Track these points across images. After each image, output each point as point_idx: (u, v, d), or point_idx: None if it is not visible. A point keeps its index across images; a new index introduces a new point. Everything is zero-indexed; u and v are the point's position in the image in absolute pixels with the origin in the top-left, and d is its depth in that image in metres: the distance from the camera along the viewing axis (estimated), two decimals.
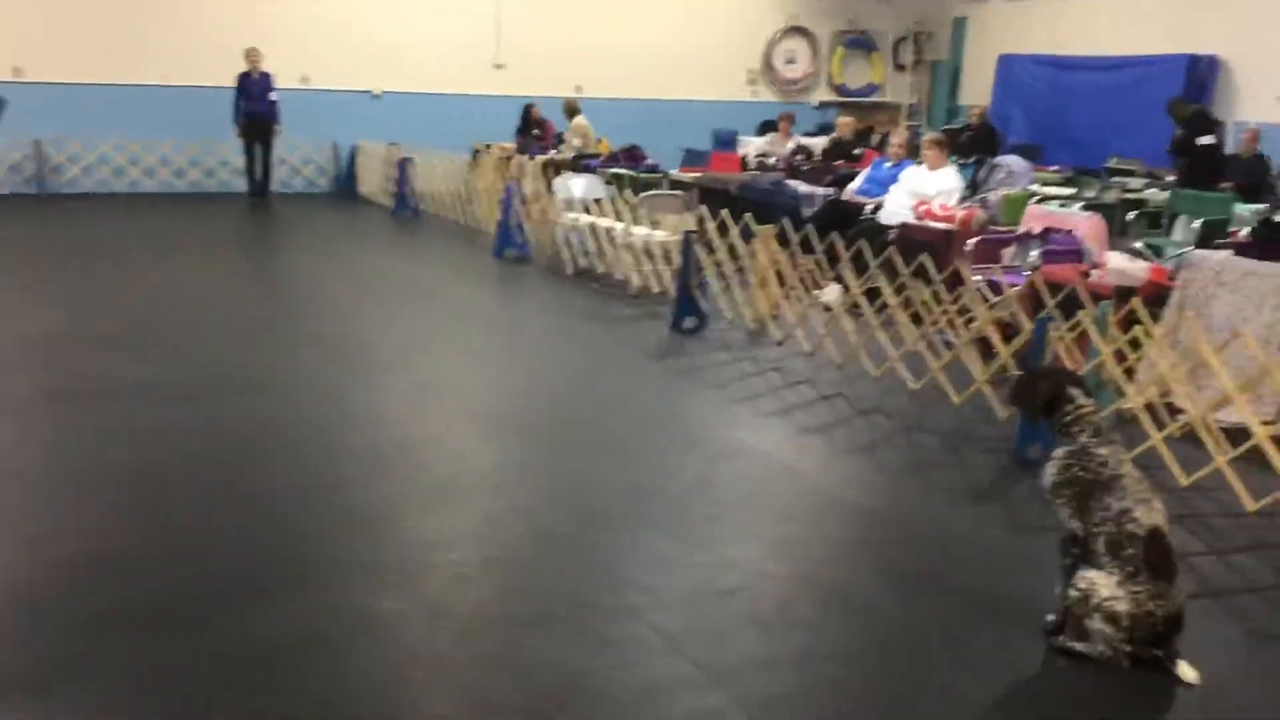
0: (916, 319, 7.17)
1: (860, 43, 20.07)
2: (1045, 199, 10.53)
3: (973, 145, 14.85)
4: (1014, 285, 7.32)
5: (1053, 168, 14.35)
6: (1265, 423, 5.38)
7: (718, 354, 7.85)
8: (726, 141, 16.49)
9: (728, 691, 3.52)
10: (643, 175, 13.06)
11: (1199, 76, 15.17)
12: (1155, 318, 6.53)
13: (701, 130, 17.12)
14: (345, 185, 16.86)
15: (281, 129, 15.48)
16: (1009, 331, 6.64)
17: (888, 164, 10.59)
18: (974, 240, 8.52)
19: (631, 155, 14.09)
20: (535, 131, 15.78)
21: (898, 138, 10.72)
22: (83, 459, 5.35)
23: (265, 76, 15.23)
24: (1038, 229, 8.05)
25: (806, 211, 10.72)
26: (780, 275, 8.42)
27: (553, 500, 5.08)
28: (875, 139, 15.23)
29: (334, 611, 3.91)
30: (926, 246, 8.15)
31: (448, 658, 3.66)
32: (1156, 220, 10.83)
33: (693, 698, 3.47)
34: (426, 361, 7.47)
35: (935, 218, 9.18)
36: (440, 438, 5.86)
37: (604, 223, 10.35)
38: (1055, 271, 7.30)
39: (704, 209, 9.62)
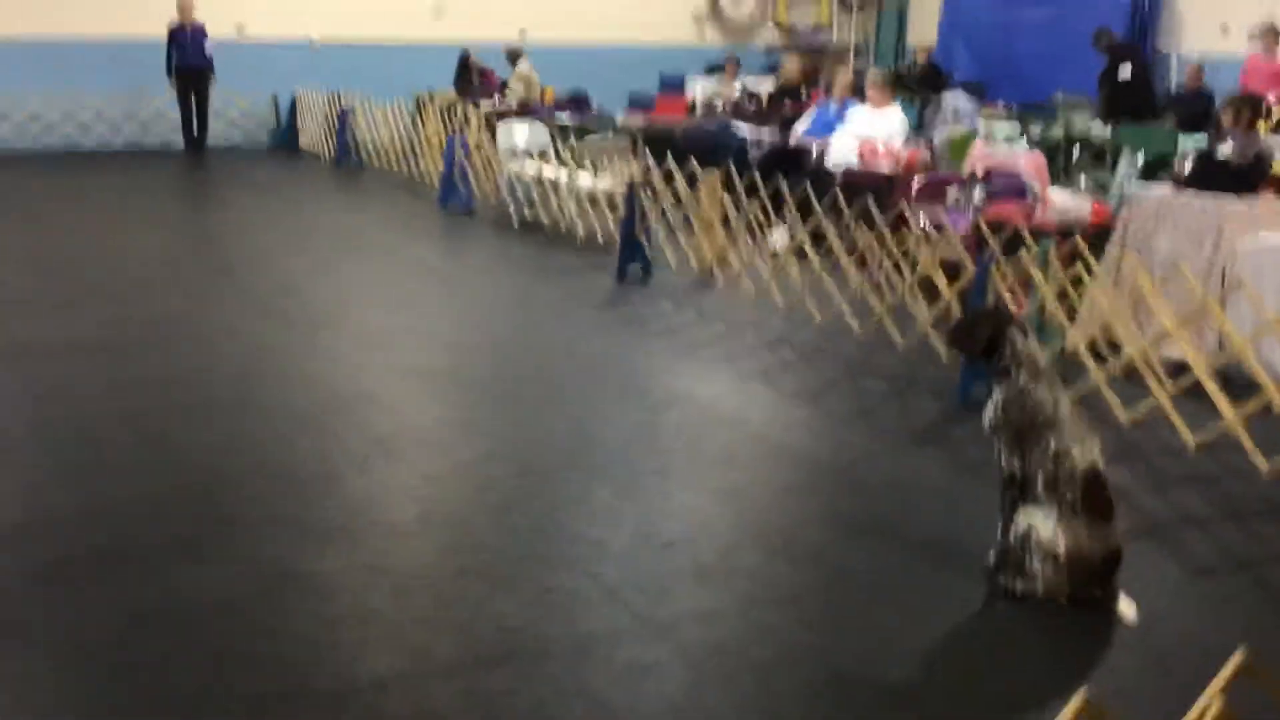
0: (863, 262, 7.13)
1: None
2: (990, 136, 10.49)
3: (920, 84, 14.78)
4: (958, 226, 7.29)
5: (999, 104, 14.30)
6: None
7: (662, 302, 7.78)
8: (673, 86, 16.32)
9: (668, 642, 3.49)
10: (587, 122, 12.88)
11: (1142, 8, 15.13)
12: (1099, 255, 6.54)
13: (648, 75, 16.90)
14: (285, 138, 16.51)
15: (216, 80, 15.10)
16: (954, 273, 6.62)
17: (834, 105, 10.51)
18: (918, 181, 8.48)
19: (577, 102, 13.92)
20: (475, 80, 15.50)
21: (842, 78, 10.63)
22: (9, 418, 5.21)
23: (198, 27, 14.83)
24: (981, 170, 8.02)
25: (753, 155, 10.62)
26: (726, 221, 8.35)
27: (492, 455, 5.01)
28: (822, 80, 15.11)
29: (267, 571, 3.83)
30: (871, 188, 8.11)
31: (385, 615, 3.60)
32: (1101, 156, 10.84)
33: (633, 649, 3.44)
34: (366, 316, 7.35)
35: (880, 158, 9.12)
36: (378, 394, 5.77)
37: (548, 172, 10.21)
38: (998, 211, 7.28)
39: (648, 155, 9.51)
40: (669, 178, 8.74)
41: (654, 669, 3.35)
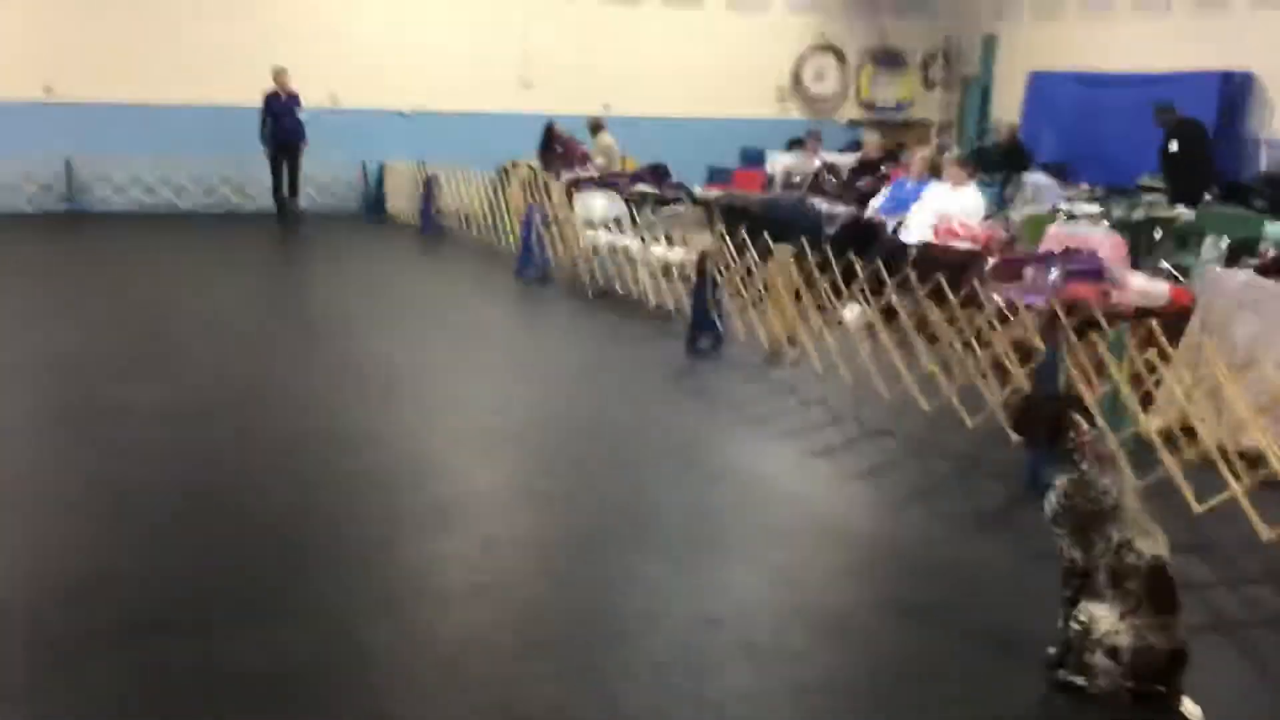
0: (934, 340, 7.06)
1: (890, 60, 19.94)
2: (1071, 217, 10.37)
3: (1001, 163, 14.67)
4: (1032, 306, 7.19)
5: (1083, 185, 14.15)
6: None
7: (730, 374, 7.77)
8: (754, 159, 16.41)
9: None
10: (666, 194, 12.99)
11: (1232, 93, 14.93)
12: (1178, 340, 6.40)
13: (729, 148, 17.04)
14: (374, 204, 16.89)
15: (308, 147, 15.54)
16: (1027, 353, 6.52)
17: (910, 182, 10.48)
18: (994, 260, 8.39)
19: (656, 174, 14.04)
20: (558, 149, 15.74)
21: (920, 155, 10.60)
22: (84, 479, 5.35)
23: (293, 96, 15.31)
24: (1058, 249, 7.92)
25: (828, 230, 10.62)
26: (798, 295, 8.33)
27: (548, 524, 5.03)
28: (903, 156, 15.08)
29: (320, 640, 3.86)
30: (946, 266, 8.06)
31: (433, 687, 3.60)
32: (1185, 240, 10.63)
33: None
34: (437, 382, 7.44)
35: (956, 236, 9.06)
36: (443, 460, 5.82)
37: (622, 242, 10.29)
38: (1074, 292, 7.17)
39: (723, 228, 9.55)
40: (742, 250, 8.76)
41: None
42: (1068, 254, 7.84)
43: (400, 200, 16.17)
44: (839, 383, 7.37)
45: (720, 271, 8.59)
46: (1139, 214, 10.91)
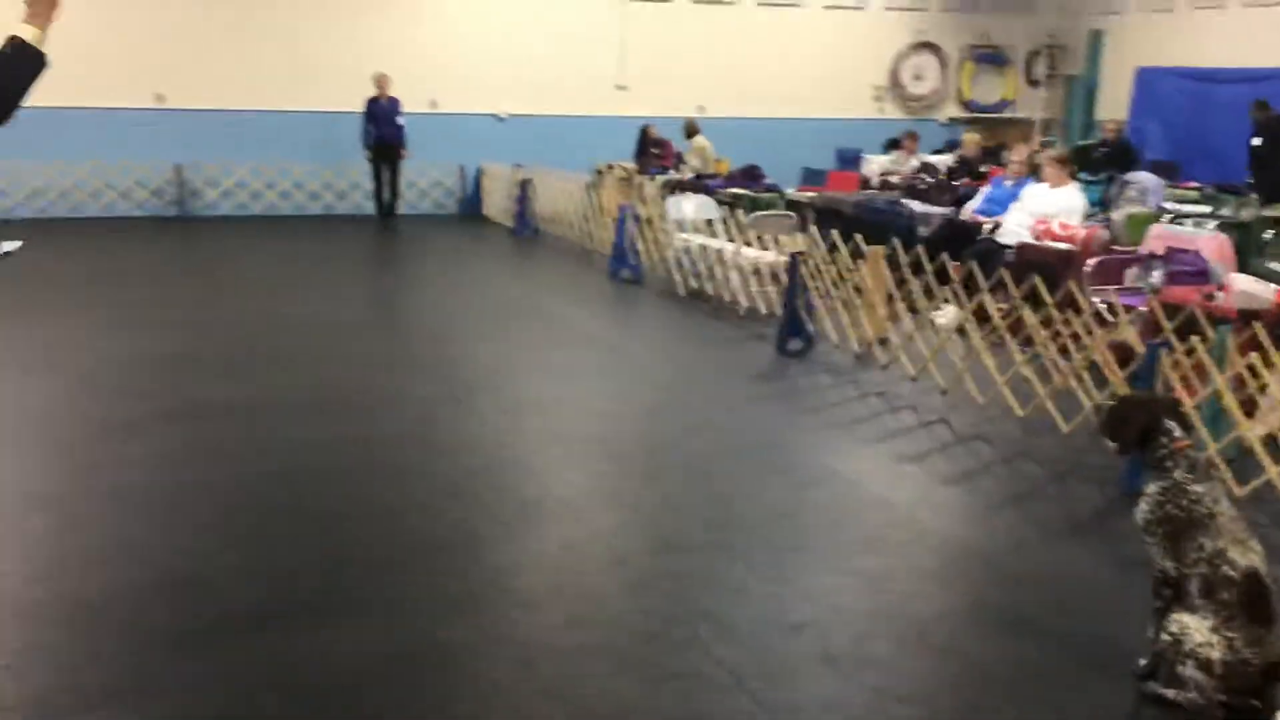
0: (1030, 343, 6.91)
1: (991, 57, 19.59)
2: (1177, 217, 10.07)
3: (1107, 161, 14.32)
4: (1132, 308, 7.00)
5: (1191, 184, 13.75)
6: None
7: (820, 377, 7.70)
8: (849, 160, 16.25)
9: None
10: (759, 195, 12.93)
11: None
12: None
13: (826, 149, 16.91)
14: (471, 207, 17.13)
15: (408, 152, 15.80)
16: (1126, 356, 6.35)
17: (1008, 182, 10.28)
18: (1094, 261, 8.19)
19: (750, 175, 13.99)
20: (654, 151, 15.78)
21: (1018, 155, 10.40)
22: (180, 478, 5.48)
23: (393, 101, 15.57)
24: (1160, 249, 7.70)
25: (923, 231, 10.46)
26: (890, 297, 8.23)
27: (631, 526, 5.03)
28: (1003, 156, 14.81)
29: (398, 638, 3.91)
30: (1043, 267, 7.88)
31: (506, 687, 3.62)
32: None
33: None
34: (525, 382, 7.50)
35: (1055, 237, 8.87)
36: (527, 461, 5.86)
37: (714, 244, 10.27)
38: (1175, 294, 6.96)
39: (815, 229, 9.47)
40: (833, 252, 8.67)
41: None
42: (1170, 255, 7.61)
43: (496, 203, 16.35)
44: (931, 386, 7.26)
45: (812, 273, 8.52)
46: (1248, 213, 10.56)
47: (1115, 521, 5.18)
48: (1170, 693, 3.56)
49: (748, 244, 9.81)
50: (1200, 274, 7.37)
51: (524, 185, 14.93)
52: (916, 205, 11.29)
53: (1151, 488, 3.68)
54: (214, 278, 11.40)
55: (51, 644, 3.82)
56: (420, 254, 13.76)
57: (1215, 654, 3.43)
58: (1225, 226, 9.62)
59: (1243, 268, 8.22)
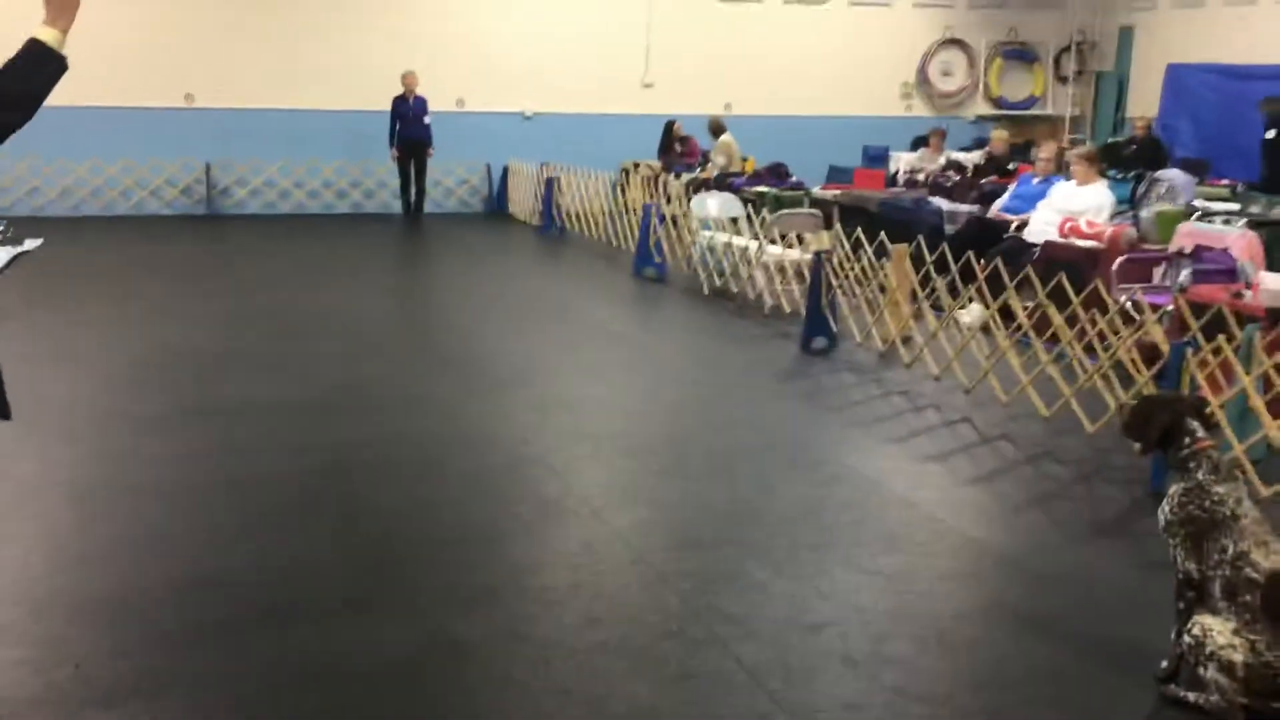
0: (1055, 341, 6.86)
1: (1020, 54, 19.46)
2: (1206, 215, 9.97)
3: (1137, 159, 14.20)
4: (1159, 306, 6.95)
5: (1223, 182, 13.61)
6: None
7: (844, 375, 7.68)
8: (876, 158, 16.18)
9: None
10: (784, 194, 12.90)
11: None
12: None
13: (853, 146, 16.85)
14: (497, 205, 17.17)
15: (434, 151, 15.85)
16: (1153, 355, 6.30)
17: (1036, 179, 10.21)
18: (1121, 259, 8.12)
19: (776, 173, 13.96)
20: (678, 148, 15.77)
21: (1046, 152, 10.32)
22: (202, 474, 5.52)
23: (420, 100, 15.63)
24: (1189, 247, 7.63)
25: (949, 229, 10.41)
26: (914, 295, 8.19)
27: (652, 524, 5.03)
28: (1032, 153, 14.71)
29: (420, 635, 3.93)
30: (1070, 265, 7.83)
31: (523, 684, 3.63)
32: None
33: None
34: (548, 380, 7.51)
35: (1082, 235, 8.80)
36: (548, 458, 5.86)
37: (739, 241, 10.26)
38: (1202, 292, 6.90)
39: (839, 227, 9.44)
40: (858, 250, 8.65)
41: None
42: (1198, 253, 7.54)
43: (522, 200, 16.38)
44: (954, 385, 7.23)
45: (836, 271, 8.50)
46: (1278, 211, 10.44)
47: (1140, 523, 5.13)
48: (1192, 695, 3.53)
49: (772, 242, 9.79)
50: (1229, 272, 7.29)
51: (550, 183, 14.95)
52: (943, 203, 11.23)
53: (1174, 489, 3.65)
54: (242, 275, 11.49)
55: (73, 638, 3.85)
56: (447, 252, 13.81)
57: (1237, 656, 3.40)
58: (1255, 224, 9.53)
59: (1272, 266, 8.13)
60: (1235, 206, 10.60)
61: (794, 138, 16.71)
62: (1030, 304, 7.09)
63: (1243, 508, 3.53)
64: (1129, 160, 14.02)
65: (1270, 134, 13.19)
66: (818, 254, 8.38)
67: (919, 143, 16.11)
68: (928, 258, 8.06)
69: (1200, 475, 3.58)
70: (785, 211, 10.59)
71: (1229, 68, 16.22)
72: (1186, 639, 3.51)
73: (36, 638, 3.84)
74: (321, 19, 15.98)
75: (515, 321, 9.34)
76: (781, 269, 9.52)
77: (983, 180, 12.51)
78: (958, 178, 12.68)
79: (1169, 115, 17.04)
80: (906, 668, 3.81)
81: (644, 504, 5.31)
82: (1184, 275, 7.45)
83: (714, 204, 11.14)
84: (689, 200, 11.91)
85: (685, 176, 14.49)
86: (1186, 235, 7.71)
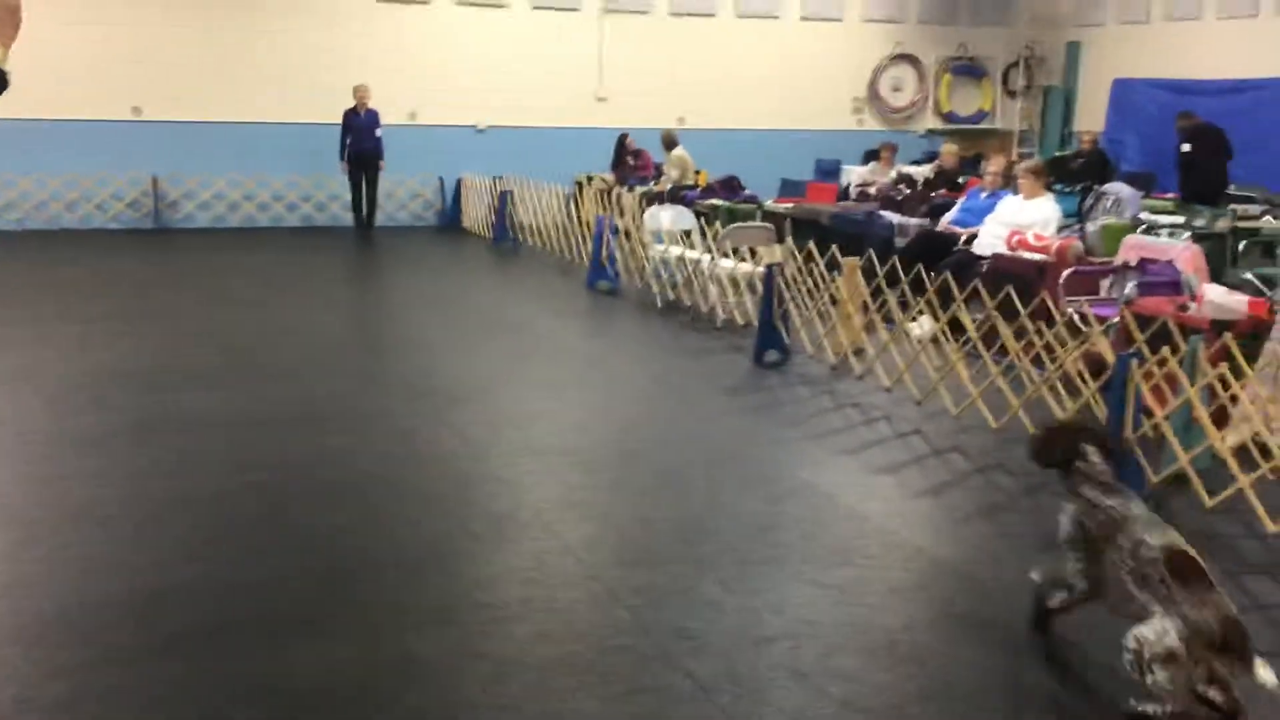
0: (1004, 354, 6.93)
1: (969, 69, 19.70)
2: (1151, 228, 10.13)
3: (1083, 172, 14.40)
4: (1105, 318, 7.04)
5: (1168, 195, 13.84)
6: None
7: (796, 388, 7.70)
8: (828, 172, 16.32)
9: None
10: (737, 207, 12.95)
11: None
12: (1257, 354, 6.21)
13: (805, 160, 16.97)
14: (450, 218, 17.12)
15: (386, 164, 15.78)
16: (1100, 367, 6.37)
17: (984, 193, 10.32)
18: (1068, 272, 8.22)
19: (729, 186, 14.03)
20: (631, 162, 15.81)
21: (994, 166, 10.44)
22: (151, 492, 5.44)
23: (371, 113, 15.57)
24: (1134, 260, 7.73)
25: (900, 242, 10.51)
26: (866, 308, 8.25)
27: (603, 539, 5.01)
28: (981, 167, 14.88)
29: (370, 654, 3.88)
30: (1018, 278, 7.91)
31: (473, 702, 3.60)
32: (1271, 250, 10.34)
33: None
34: (500, 395, 7.48)
35: (1029, 248, 8.90)
36: (500, 474, 5.84)
37: (691, 254, 10.29)
38: (1148, 304, 7.00)
39: (791, 240, 9.49)
40: (810, 263, 8.69)
41: None
42: (1143, 265, 7.65)
43: (475, 214, 16.35)
44: (906, 397, 7.28)
45: (788, 284, 8.54)
46: (1223, 224, 10.64)
47: None
48: (1150, 707, 3.55)
49: (725, 255, 9.82)
50: (1173, 285, 7.40)
51: (503, 197, 14.93)
52: (894, 216, 11.34)
53: (1068, 508, 3.86)
54: (190, 290, 11.36)
55: (13, 658, 3.77)
56: (399, 266, 13.73)
57: (1172, 639, 3.40)
58: (1199, 237, 9.70)
59: (1216, 278, 8.27)
60: (1180, 219, 10.80)
61: (747, 151, 16.80)
62: (979, 316, 7.16)
63: (1132, 509, 3.70)
64: (1076, 174, 14.22)
65: (1186, 148, 13.71)
66: (770, 267, 8.42)
67: (870, 156, 16.27)
68: (879, 270, 8.11)
69: (1087, 492, 3.79)
70: (737, 225, 10.63)
71: (1174, 83, 16.51)
72: (1126, 655, 3.53)
73: None
74: (271, 31, 15.89)
75: (468, 336, 9.30)
76: (734, 282, 9.54)
77: (933, 194, 12.65)
78: (908, 191, 12.81)
79: (1115, 130, 17.32)
80: (856, 680, 3.82)
81: (596, 519, 5.29)
82: (1129, 288, 7.55)
83: (667, 217, 11.16)
84: (642, 213, 11.93)
85: (639, 189, 14.51)
86: (1132, 248, 7.82)
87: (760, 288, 8.68)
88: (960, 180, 13.56)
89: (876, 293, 8.10)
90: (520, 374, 8.08)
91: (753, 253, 10.18)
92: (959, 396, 6.89)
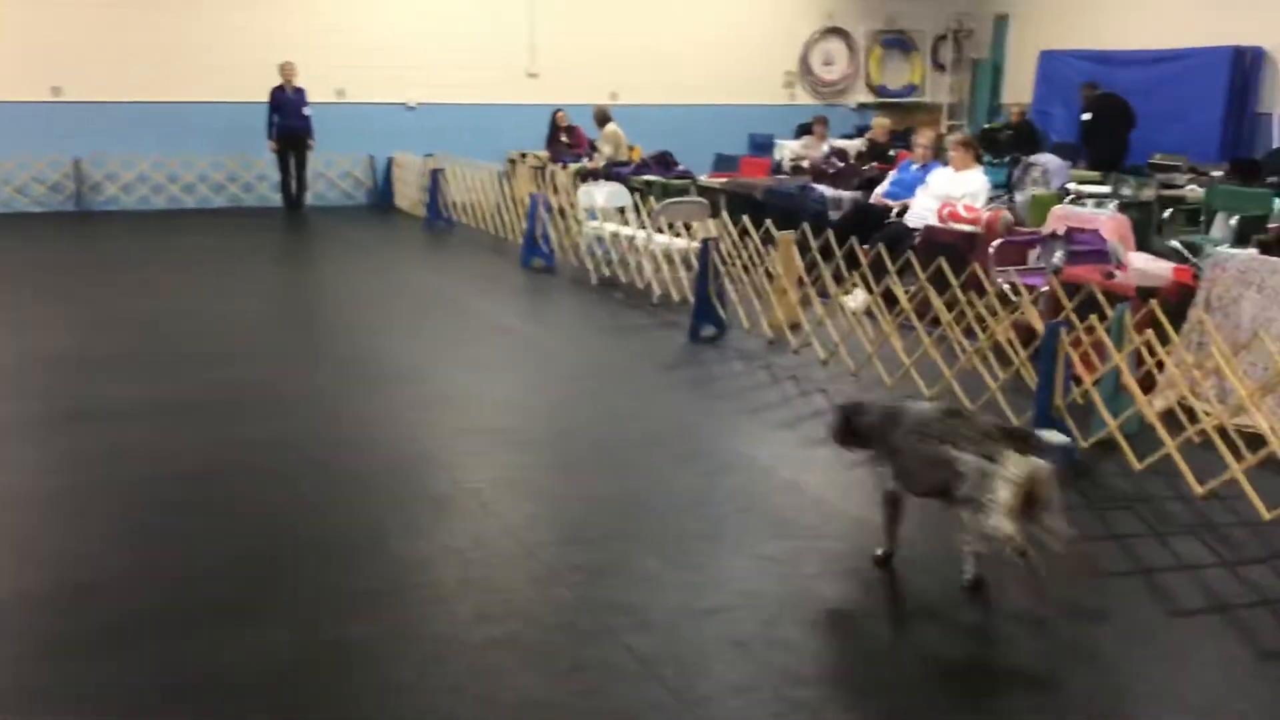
0: (937, 324, 7.00)
1: (898, 42, 19.81)
2: (1078, 198, 10.27)
3: (1012, 144, 14.56)
4: (1034, 288, 7.13)
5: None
6: None
7: (733, 363, 7.72)
8: (762, 146, 16.35)
9: (698, 719, 3.40)
10: (671, 182, 12.94)
11: (1243, 68, 14.78)
12: (1183, 320, 6.33)
13: (739, 135, 16.97)
14: (382, 198, 16.92)
15: (315, 143, 15.56)
16: (1030, 336, 6.45)
17: (915, 165, 10.40)
18: (998, 242, 8.32)
19: (663, 162, 13.99)
20: (564, 139, 15.72)
21: (924, 139, 10.51)
22: (76, 481, 5.33)
23: (299, 91, 15.32)
24: (1062, 230, 7.83)
25: (833, 215, 10.56)
26: (801, 281, 8.28)
27: (541, 518, 5.00)
28: (912, 140, 14.99)
29: (303, 638, 3.84)
30: (949, 249, 7.99)
31: (413, 685, 3.57)
32: (1195, 218, 10.53)
33: None
34: (434, 375, 7.42)
35: (959, 220, 8.99)
36: (435, 455, 5.79)
37: (625, 231, 10.26)
38: (1075, 273, 7.10)
39: (726, 215, 9.51)
40: (744, 237, 8.71)
41: None
42: (1071, 235, 7.75)
43: (408, 193, 16.17)
44: (842, 370, 7.32)
45: (723, 259, 8.55)
46: (1148, 193, 10.81)
47: None
48: (1021, 556, 3.82)
49: (659, 231, 9.81)
50: (1100, 253, 7.51)
51: (435, 175, 14.78)
52: (827, 190, 11.39)
53: (881, 466, 4.39)
54: (115, 274, 11.13)
55: None
56: (330, 246, 13.56)
57: (1003, 492, 3.77)
58: (1125, 206, 9.85)
59: (1142, 246, 8.40)
60: (1106, 189, 10.96)
61: (680, 126, 16.77)
62: (912, 288, 7.22)
63: (907, 405, 4.37)
64: (1005, 146, 14.37)
65: (1086, 117, 14.32)
66: (705, 242, 8.42)
67: (803, 130, 16.32)
68: (813, 244, 8.15)
69: (874, 423, 4.36)
70: (672, 200, 10.61)
71: (1099, 54, 16.73)
72: (982, 541, 3.96)
73: None
74: (195, 7, 15.55)
75: (400, 316, 9.21)
76: (669, 258, 9.54)
77: (865, 167, 12.71)
78: (841, 165, 12.86)
79: (1043, 102, 17.52)
80: (796, 650, 3.84)
81: (533, 498, 5.27)
82: (1057, 257, 7.65)
83: (601, 194, 11.12)
84: (576, 191, 11.87)
85: (572, 167, 14.44)
86: (1059, 218, 7.92)
87: (695, 263, 8.69)
88: (891, 153, 13.65)
89: (811, 266, 8.13)
90: (454, 354, 8.01)
91: (687, 228, 10.19)
92: (893, 367, 6.95)
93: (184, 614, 4.02)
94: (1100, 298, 6.18)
